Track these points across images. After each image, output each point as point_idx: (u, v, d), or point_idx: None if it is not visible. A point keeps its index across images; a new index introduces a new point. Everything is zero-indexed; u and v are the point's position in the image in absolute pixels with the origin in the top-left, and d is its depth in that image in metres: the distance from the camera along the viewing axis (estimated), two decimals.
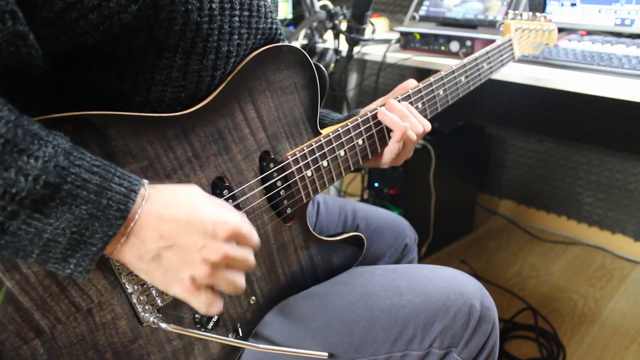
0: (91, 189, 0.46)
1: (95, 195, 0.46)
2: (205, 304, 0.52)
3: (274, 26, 0.69)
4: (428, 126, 0.82)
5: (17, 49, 0.45)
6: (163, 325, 0.58)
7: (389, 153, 0.80)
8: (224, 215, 0.52)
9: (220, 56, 0.60)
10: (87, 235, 0.46)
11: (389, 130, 0.80)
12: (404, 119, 0.79)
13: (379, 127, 0.79)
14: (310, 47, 1.55)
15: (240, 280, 0.54)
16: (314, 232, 0.76)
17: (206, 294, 0.52)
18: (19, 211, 0.43)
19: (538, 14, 1.12)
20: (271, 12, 0.68)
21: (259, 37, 0.66)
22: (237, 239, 0.53)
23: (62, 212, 0.44)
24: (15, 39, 0.44)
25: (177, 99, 0.60)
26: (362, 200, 1.90)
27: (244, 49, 0.64)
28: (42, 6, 0.45)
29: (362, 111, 0.83)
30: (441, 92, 0.87)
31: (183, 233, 0.50)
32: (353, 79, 1.86)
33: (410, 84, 0.84)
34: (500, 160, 2.21)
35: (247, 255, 0.54)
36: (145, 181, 0.50)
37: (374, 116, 0.78)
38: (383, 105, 0.80)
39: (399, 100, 0.81)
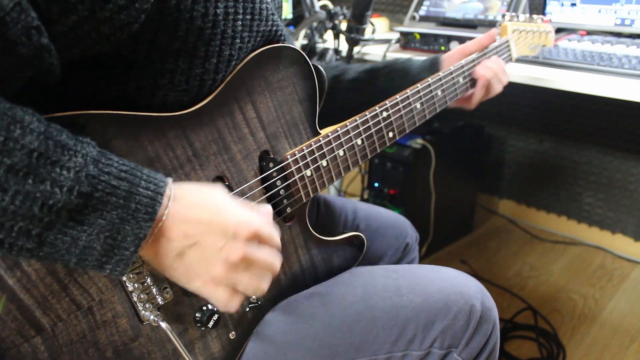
0: (120, 194, 0.47)
1: (125, 200, 0.47)
2: (223, 301, 0.53)
3: (274, 28, 0.69)
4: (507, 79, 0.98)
5: (41, 62, 0.46)
6: (163, 324, 0.58)
7: (477, 98, 0.96)
8: (246, 217, 0.54)
9: (222, 60, 0.61)
10: (120, 239, 0.48)
11: (389, 130, 0.80)
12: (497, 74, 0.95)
13: (378, 127, 0.79)
14: (310, 47, 1.55)
15: (261, 281, 0.55)
16: (314, 232, 0.76)
17: (225, 291, 0.53)
18: (55, 221, 0.45)
19: (535, 16, 1.12)
20: (272, 14, 0.69)
21: (258, 39, 0.67)
22: (258, 240, 0.54)
23: (94, 219, 0.46)
24: (42, 52, 0.45)
25: (179, 103, 0.60)
26: (362, 200, 1.90)
27: (245, 52, 0.65)
28: (57, 21, 0.46)
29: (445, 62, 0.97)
30: (439, 92, 0.87)
31: (206, 233, 0.51)
32: None
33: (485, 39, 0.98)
34: (500, 160, 2.21)
35: (268, 257, 0.55)
36: (170, 180, 0.52)
37: (373, 116, 0.78)
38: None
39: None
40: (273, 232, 0.56)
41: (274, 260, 0.56)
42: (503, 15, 1.09)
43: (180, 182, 0.56)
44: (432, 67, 0.96)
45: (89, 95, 0.56)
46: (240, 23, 0.61)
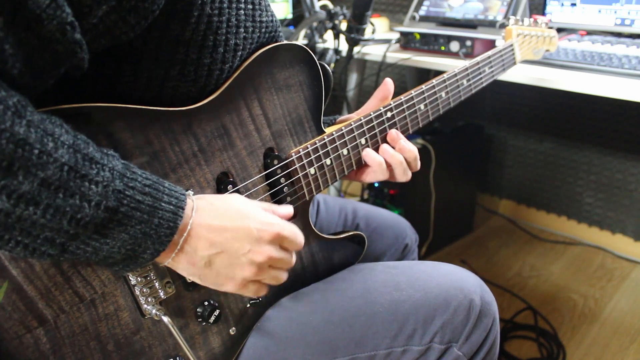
0: (144, 209, 0.49)
1: (148, 215, 0.49)
2: (254, 292, 0.59)
3: (274, 18, 0.71)
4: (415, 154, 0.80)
5: (74, 57, 0.47)
6: (165, 318, 0.58)
7: (371, 179, 0.80)
8: (268, 220, 0.57)
9: (228, 49, 0.61)
10: (140, 251, 0.50)
11: (392, 127, 0.81)
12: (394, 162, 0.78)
13: (382, 127, 0.80)
14: (310, 47, 1.56)
15: (282, 275, 0.61)
16: (315, 230, 0.77)
17: (254, 284, 0.58)
18: (80, 234, 0.46)
19: (539, 20, 1.13)
20: (269, 5, 0.70)
21: (262, 30, 0.67)
22: (280, 241, 0.58)
23: (118, 233, 0.48)
24: (75, 47, 0.46)
25: (188, 94, 0.61)
26: (362, 200, 1.90)
27: (250, 43, 0.65)
28: (88, 13, 0.47)
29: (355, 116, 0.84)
30: (443, 94, 0.88)
31: (231, 240, 0.54)
32: (353, 79, 1.86)
33: (385, 86, 0.82)
34: (500, 160, 2.21)
35: (289, 257, 0.60)
36: (191, 193, 0.55)
37: (377, 116, 0.79)
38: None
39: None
40: (295, 232, 0.60)
41: (292, 258, 0.61)
42: (507, 18, 1.09)
43: (200, 194, 0.60)
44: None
45: (100, 88, 0.56)
46: (243, 12, 0.63)
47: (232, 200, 0.57)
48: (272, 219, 0.58)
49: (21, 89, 0.44)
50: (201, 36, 0.58)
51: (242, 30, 0.63)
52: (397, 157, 0.78)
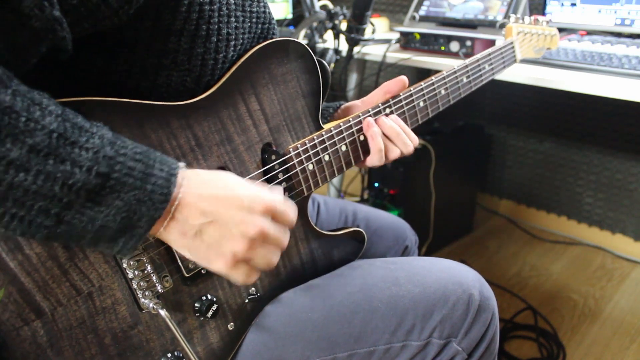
0: (137, 175, 0.48)
1: (141, 181, 0.48)
2: (243, 276, 0.55)
3: (266, 10, 0.71)
4: (416, 141, 0.82)
5: (54, 35, 0.47)
6: (162, 312, 0.58)
7: (371, 162, 0.80)
8: (259, 192, 0.55)
9: (221, 39, 0.62)
10: (135, 219, 0.49)
11: None
12: (396, 139, 0.79)
13: None
14: (310, 47, 1.56)
15: (274, 256, 0.57)
16: (315, 226, 0.77)
17: (243, 266, 0.55)
18: (74, 202, 0.45)
19: (540, 19, 1.13)
20: None
21: (254, 20, 0.68)
22: (272, 214, 0.56)
23: (112, 200, 0.47)
24: (54, 24, 0.46)
25: (182, 83, 0.61)
26: (362, 200, 1.90)
27: (242, 32, 0.66)
28: None
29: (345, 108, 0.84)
30: (442, 91, 0.88)
31: (222, 208, 0.52)
32: (353, 79, 1.86)
33: (399, 83, 0.82)
34: (500, 160, 2.21)
35: (282, 233, 0.57)
36: (182, 164, 0.53)
37: (376, 113, 0.79)
38: (375, 111, 0.80)
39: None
40: (288, 207, 0.57)
41: (285, 235, 0.57)
42: (507, 17, 1.09)
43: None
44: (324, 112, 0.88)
45: (94, 78, 0.56)
46: (233, 2, 0.63)
47: (221, 173, 0.56)
48: (264, 191, 0.56)
49: (3, 67, 0.44)
50: (194, 25, 0.58)
51: (232, 19, 0.63)
52: (394, 128, 0.78)
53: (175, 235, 0.52)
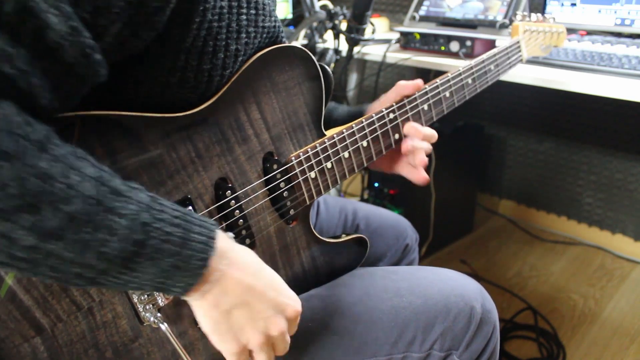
0: (175, 241, 0.48)
1: (179, 247, 0.48)
2: None
3: (277, 24, 0.69)
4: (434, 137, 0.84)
5: (97, 77, 0.48)
6: (163, 325, 0.58)
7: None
8: (294, 298, 0.57)
9: (229, 55, 0.60)
10: (170, 284, 0.49)
11: (395, 131, 0.80)
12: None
13: (384, 129, 0.79)
14: (310, 47, 1.55)
15: (272, 357, 0.58)
16: (317, 234, 0.76)
17: (244, 357, 0.56)
18: (109, 269, 0.45)
19: (547, 16, 1.12)
20: (273, 10, 0.69)
21: (264, 35, 0.66)
22: (292, 322, 0.58)
23: (148, 266, 0.47)
24: (98, 67, 0.47)
25: (187, 99, 0.60)
26: (362, 200, 1.90)
27: (251, 48, 0.64)
28: (103, 33, 0.47)
29: (368, 111, 0.84)
30: (447, 94, 0.86)
31: (257, 299, 0.54)
32: (353, 79, 1.86)
33: (412, 85, 0.82)
34: (500, 160, 2.21)
35: (288, 341, 0.58)
36: (215, 226, 0.52)
37: (380, 118, 0.78)
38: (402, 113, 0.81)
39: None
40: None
41: (288, 344, 0.59)
42: (511, 15, 1.08)
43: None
44: (355, 116, 0.86)
45: (99, 97, 0.55)
46: (245, 17, 0.61)
47: (263, 265, 0.57)
48: (297, 298, 0.58)
49: (50, 114, 0.45)
50: (201, 42, 0.57)
51: (243, 35, 0.62)
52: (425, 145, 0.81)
53: (208, 304, 0.52)
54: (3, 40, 0.40)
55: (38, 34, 0.41)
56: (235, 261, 0.53)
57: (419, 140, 0.80)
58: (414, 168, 0.83)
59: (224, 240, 0.53)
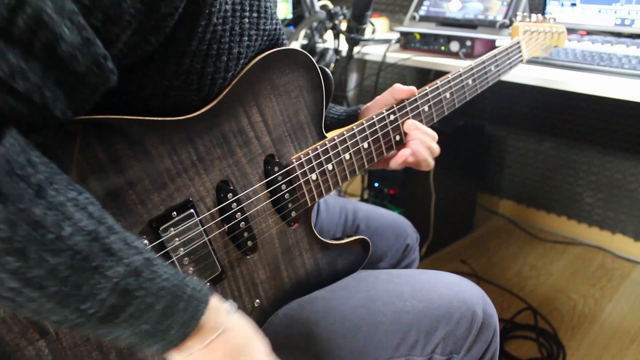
0: (157, 311, 0.46)
1: (160, 316, 0.46)
2: None
3: (278, 27, 0.69)
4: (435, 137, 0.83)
5: (109, 84, 0.48)
6: None
7: (395, 164, 0.81)
8: None
9: (231, 57, 0.61)
10: (145, 345, 0.47)
11: (396, 133, 0.80)
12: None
13: (385, 131, 0.79)
14: (310, 47, 1.55)
15: None
16: (318, 236, 0.76)
17: None
18: (85, 324, 0.44)
19: (547, 16, 1.12)
20: (274, 12, 0.69)
21: (265, 38, 0.66)
22: None
23: (124, 328, 0.46)
24: (110, 74, 0.47)
25: (190, 102, 0.60)
26: (362, 200, 1.90)
27: (252, 50, 0.65)
28: (115, 41, 0.47)
29: (363, 111, 0.84)
30: (448, 95, 0.86)
31: None
32: (353, 79, 1.86)
33: (407, 91, 0.81)
34: (500, 160, 2.21)
35: None
36: (207, 298, 0.51)
37: (380, 119, 0.78)
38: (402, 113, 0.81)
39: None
40: None
41: None
42: (510, 15, 1.08)
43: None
44: (349, 118, 0.87)
45: (105, 98, 0.56)
46: (247, 20, 0.61)
47: (249, 345, 0.55)
48: None
49: (63, 123, 0.45)
50: (206, 45, 0.57)
51: (245, 38, 0.62)
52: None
53: (220, 352, 0.50)
54: (16, 55, 0.39)
55: (51, 46, 0.41)
56: (221, 340, 0.50)
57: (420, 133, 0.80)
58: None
59: (215, 315, 0.51)
